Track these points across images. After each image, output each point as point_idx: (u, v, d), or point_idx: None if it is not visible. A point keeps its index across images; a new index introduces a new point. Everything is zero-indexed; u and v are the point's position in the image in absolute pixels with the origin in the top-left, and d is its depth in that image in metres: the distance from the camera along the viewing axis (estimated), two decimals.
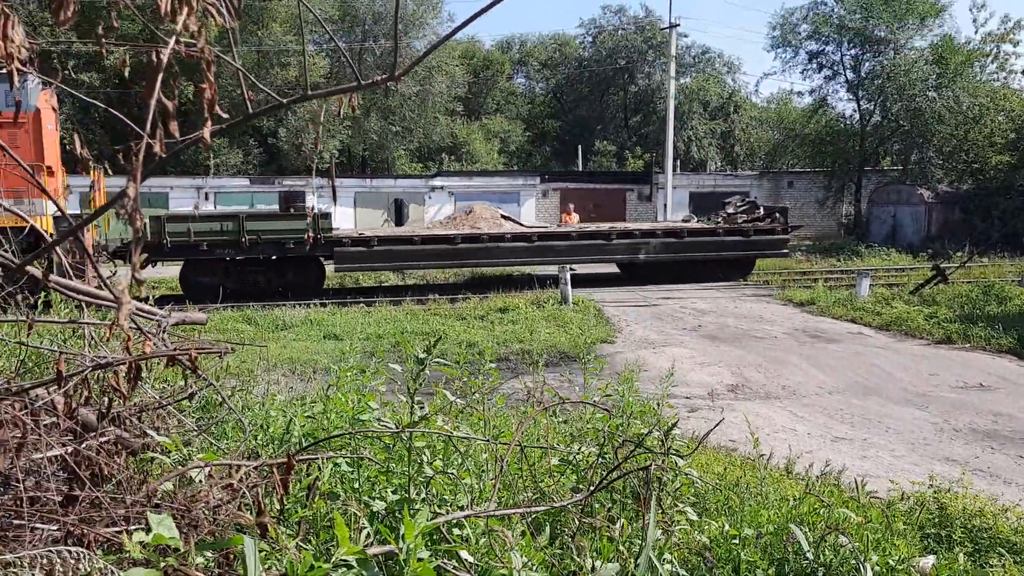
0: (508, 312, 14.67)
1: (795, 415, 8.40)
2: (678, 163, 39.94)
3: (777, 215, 20.31)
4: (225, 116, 1.77)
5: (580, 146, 43.76)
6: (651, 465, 2.55)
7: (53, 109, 16.53)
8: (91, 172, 15.09)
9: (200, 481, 1.98)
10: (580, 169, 42.25)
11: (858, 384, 9.72)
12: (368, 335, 12.39)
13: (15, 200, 15.47)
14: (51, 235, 14.10)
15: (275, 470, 2.01)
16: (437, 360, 2.85)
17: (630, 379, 4.44)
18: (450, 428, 3.08)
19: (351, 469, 2.95)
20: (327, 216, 17.53)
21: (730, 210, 21.05)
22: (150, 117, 1.54)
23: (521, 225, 21.12)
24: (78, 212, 16.10)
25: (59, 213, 14.58)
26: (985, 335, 11.74)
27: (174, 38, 1.51)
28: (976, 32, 35.36)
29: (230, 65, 1.82)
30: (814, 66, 35.14)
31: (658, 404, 4.31)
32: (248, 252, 17.10)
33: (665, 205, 33.99)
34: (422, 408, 2.85)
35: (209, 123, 1.68)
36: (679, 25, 36.12)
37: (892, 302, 14.75)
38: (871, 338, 12.65)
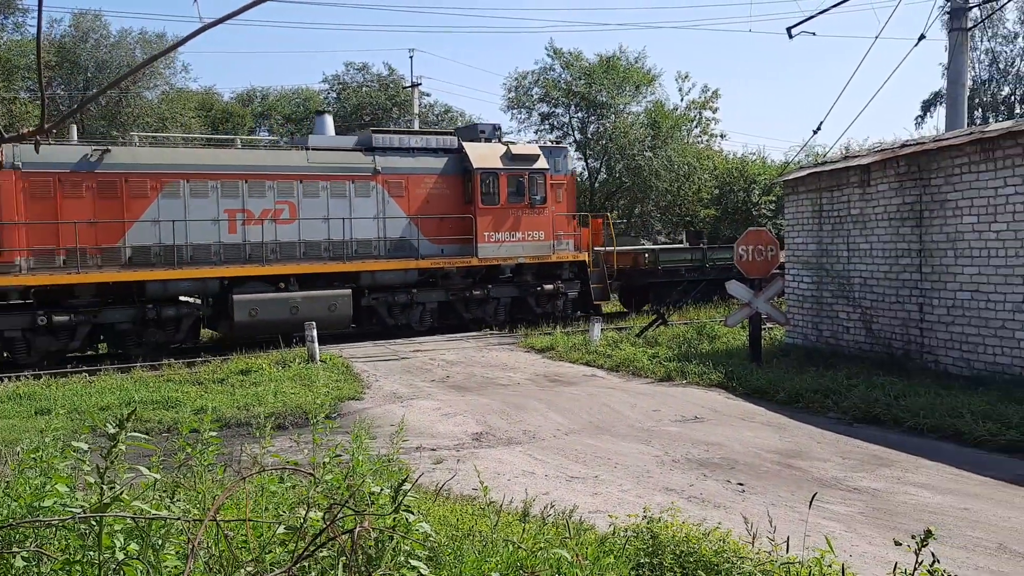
0: (250, 374, 14.04)
1: (534, 458, 8.73)
2: None
3: None
4: None
5: None
6: (355, 529, 2.52)
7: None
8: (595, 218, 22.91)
9: None
10: None
11: (592, 424, 10.31)
12: (88, 407, 11.29)
13: (557, 240, 21.15)
14: (589, 265, 21.84)
15: None
16: (133, 435, 2.64)
17: (360, 437, 4.38)
18: (149, 507, 2.85)
19: (30, 563, 2.63)
20: None
21: None
22: None
23: None
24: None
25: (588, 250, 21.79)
26: (698, 371, 12.95)
27: None
28: (682, 100, 39.69)
29: None
30: (546, 127, 37.57)
31: (389, 460, 4.30)
32: (706, 275, 23.12)
33: None
34: (113, 488, 2.62)
35: None
36: (421, 84, 37.21)
37: (620, 344, 15.88)
38: (604, 379, 13.51)
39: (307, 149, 19.20)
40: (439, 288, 19.91)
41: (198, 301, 17.95)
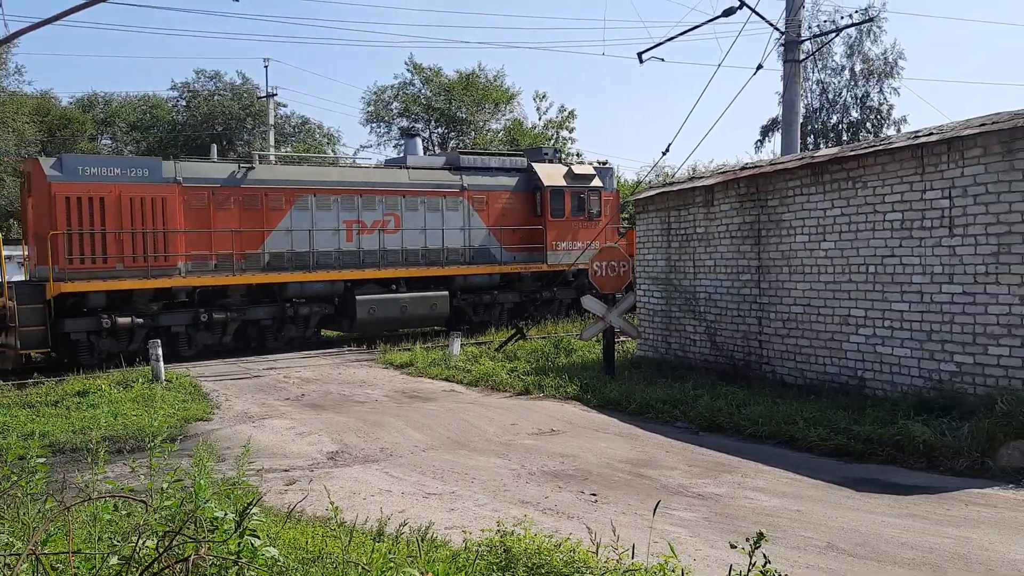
0: (88, 395, 13.18)
1: (391, 476, 8.63)
2: None
3: None
4: None
5: None
6: (191, 556, 2.42)
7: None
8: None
9: None
10: None
11: (450, 439, 10.30)
12: None
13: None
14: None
15: None
16: None
17: (202, 460, 4.20)
18: None
19: None
20: None
21: None
22: None
23: None
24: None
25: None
26: (555, 384, 13.19)
27: None
28: (540, 119, 40.53)
29: None
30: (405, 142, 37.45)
31: (235, 483, 4.14)
32: None
33: None
34: None
35: None
36: (276, 95, 36.30)
37: (480, 359, 15.97)
38: (463, 394, 13.53)
39: (407, 168, 21.85)
40: (514, 290, 22.95)
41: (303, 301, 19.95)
